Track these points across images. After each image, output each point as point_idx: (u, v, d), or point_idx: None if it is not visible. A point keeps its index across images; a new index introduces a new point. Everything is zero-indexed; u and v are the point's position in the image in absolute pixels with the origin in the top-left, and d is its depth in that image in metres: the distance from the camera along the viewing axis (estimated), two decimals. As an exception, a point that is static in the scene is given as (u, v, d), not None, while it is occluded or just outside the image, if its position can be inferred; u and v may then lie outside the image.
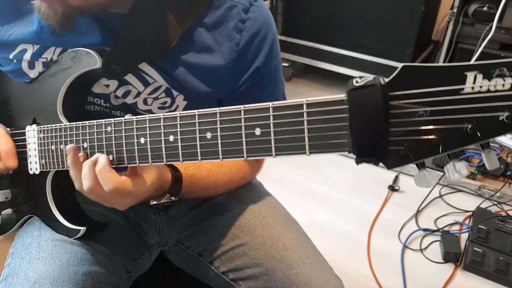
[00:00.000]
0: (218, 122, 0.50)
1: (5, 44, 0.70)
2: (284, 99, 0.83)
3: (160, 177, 0.66)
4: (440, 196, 1.81)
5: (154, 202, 0.69)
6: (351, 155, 0.43)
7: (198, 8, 0.70)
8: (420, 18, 2.07)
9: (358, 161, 0.43)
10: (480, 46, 1.86)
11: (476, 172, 1.83)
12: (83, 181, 0.59)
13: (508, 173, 1.80)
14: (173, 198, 0.70)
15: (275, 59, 0.78)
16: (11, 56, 0.71)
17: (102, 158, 0.60)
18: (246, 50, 0.73)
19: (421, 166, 0.42)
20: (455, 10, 1.97)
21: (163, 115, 0.55)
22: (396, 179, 1.91)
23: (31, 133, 0.71)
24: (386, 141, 0.41)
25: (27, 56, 0.70)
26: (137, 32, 0.66)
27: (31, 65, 0.71)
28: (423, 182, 0.42)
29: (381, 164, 0.43)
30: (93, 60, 0.64)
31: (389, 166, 0.42)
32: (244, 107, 0.48)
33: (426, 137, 0.39)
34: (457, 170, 0.40)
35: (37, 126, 0.71)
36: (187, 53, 0.70)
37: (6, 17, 0.70)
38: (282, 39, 2.55)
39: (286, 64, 2.68)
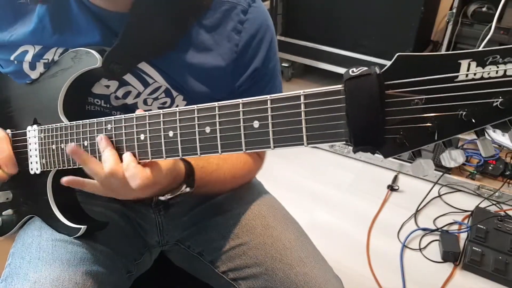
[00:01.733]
0: (217, 116, 0.51)
1: (6, 45, 0.71)
2: None
3: (175, 164, 0.64)
4: (439, 196, 1.81)
5: (169, 196, 0.67)
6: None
7: (198, 9, 0.70)
8: (419, 19, 2.08)
9: (354, 150, 0.43)
10: (479, 46, 1.86)
11: (475, 172, 1.84)
12: (105, 164, 0.58)
13: (507, 173, 1.80)
14: (188, 189, 0.68)
15: (273, 60, 0.79)
16: (12, 58, 0.71)
17: (127, 155, 0.58)
18: (245, 51, 0.73)
19: (417, 155, 0.43)
20: (454, 10, 1.97)
21: (163, 111, 0.55)
22: (395, 179, 1.92)
23: (32, 133, 0.71)
24: (382, 130, 0.41)
25: (28, 57, 0.70)
26: (137, 32, 0.66)
27: (32, 66, 0.71)
28: (419, 171, 0.43)
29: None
30: (93, 60, 0.64)
31: (385, 155, 0.42)
32: (243, 100, 0.49)
33: (421, 125, 0.40)
34: (453, 158, 0.41)
35: (37, 126, 0.71)
36: (187, 53, 0.71)
37: (7, 18, 0.70)
38: (282, 39, 2.55)
39: (286, 65, 2.68)
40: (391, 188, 1.87)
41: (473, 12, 1.96)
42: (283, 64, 2.67)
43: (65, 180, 0.63)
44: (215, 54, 0.72)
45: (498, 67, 0.36)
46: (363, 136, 0.42)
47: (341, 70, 2.42)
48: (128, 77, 0.70)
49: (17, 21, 0.69)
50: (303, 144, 0.46)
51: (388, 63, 0.41)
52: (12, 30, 0.70)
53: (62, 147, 0.66)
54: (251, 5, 0.73)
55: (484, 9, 1.94)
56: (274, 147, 0.47)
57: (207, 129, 0.52)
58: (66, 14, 0.67)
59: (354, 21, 2.28)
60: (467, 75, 0.38)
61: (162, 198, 0.67)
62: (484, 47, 1.56)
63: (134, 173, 0.57)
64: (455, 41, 2.06)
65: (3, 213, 0.79)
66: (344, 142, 0.44)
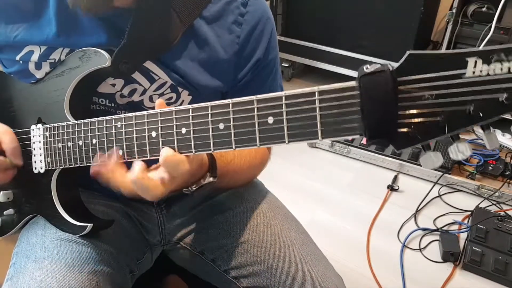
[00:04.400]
0: (231, 112, 0.51)
1: (11, 45, 0.70)
2: (282, 91, 0.84)
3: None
4: (439, 196, 1.82)
5: (195, 187, 0.64)
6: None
7: (200, 3, 0.71)
8: (419, 19, 2.08)
9: (369, 143, 0.45)
10: (479, 46, 1.86)
11: (475, 172, 1.84)
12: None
13: (507, 173, 1.81)
14: (211, 178, 0.66)
15: (274, 51, 0.80)
16: (17, 58, 0.71)
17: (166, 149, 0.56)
18: (247, 43, 0.74)
19: (427, 148, 0.44)
20: (454, 10, 1.98)
21: (175, 109, 0.55)
22: (395, 178, 1.92)
23: (36, 131, 0.72)
24: (395, 124, 0.43)
25: (35, 57, 0.70)
26: (144, 28, 0.67)
27: (38, 66, 0.71)
28: (429, 163, 0.44)
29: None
30: (102, 59, 0.64)
31: (398, 147, 0.44)
32: (257, 97, 0.49)
33: (432, 119, 0.42)
34: (461, 151, 0.42)
35: (42, 125, 0.71)
36: (190, 47, 0.71)
37: (11, 18, 0.70)
38: (282, 39, 2.56)
39: (286, 65, 2.68)
40: (391, 188, 1.88)
41: (473, 12, 1.97)
42: (283, 64, 2.68)
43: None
44: (217, 46, 0.73)
45: (502, 64, 0.38)
46: (377, 130, 0.43)
47: (341, 70, 2.43)
48: (135, 75, 0.70)
49: (23, 22, 0.69)
50: (317, 138, 0.47)
51: (388, 63, 0.42)
52: (15, 29, 0.70)
53: (69, 145, 0.66)
54: None
55: (484, 9, 1.94)
56: (289, 142, 0.48)
57: (221, 126, 0.52)
58: (72, 16, 0.67)
59: (354, 21, 2.28)
60: (474, 72, 0.39)
61: (186, 191, 0.65)
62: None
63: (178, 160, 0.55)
64: (455, 41, 2.07)
65: (4, 212, 0.79)
66: (358, 136, 0.45)
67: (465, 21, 2.01)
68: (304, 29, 2.48)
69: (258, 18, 0.75)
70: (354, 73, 2.48)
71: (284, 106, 0.48)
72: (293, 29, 2.54)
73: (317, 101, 0.46)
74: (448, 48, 2.07)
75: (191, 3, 0.70)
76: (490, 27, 1.84)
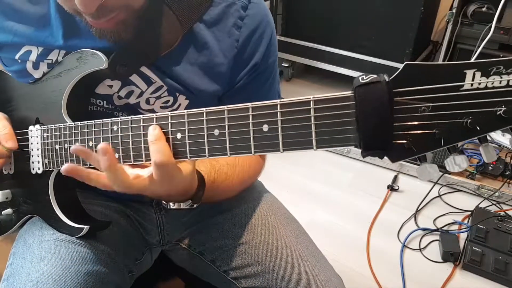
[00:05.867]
0: (226, 119, 0.51)
1: (10, 45, 0.71)
2: (279, 98, 0.84)
3: (193, 173, 0.62)
4: (439, 196, 1.82)
5: (174, 207, 0.65)
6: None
7: (200, 7, 0.70)
8: (419, 19, 2.08)
9: (364, 154, 0.44)
10: (479, 46, 1.87)
11: (475, 172, 1.84)
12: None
13: (507, 173, 1.81)
14: (195, 205, 0.65)
15: (273, 55, 0.80)
16: (16, 57, 0.71)
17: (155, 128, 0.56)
18: (246, 47, 0.74)
19: (423, 160, 0.44)
20: (454, 10, 1.98)
21: (171, 114, 0.55)
22: (395, 178, 1.92)
23: (34, 132, 0.71)
24: (391, 135, 0.42)
25: (32, 57, 0.70)
26: (143, 33, 0.66)
27: (36, 66, 0.71)
28: (425, 175, 0.44)
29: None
30: (99, 61, 0.64)
31: (393, 159, 0.43)
32: (252, 104, 0.49)
33: (428, 131, 0.41)
34: (457, 163, 0.42)
35: (40, 126, 0.71)
36: (189, 51, 0.71)
37: (11, 19, 0.70)
38: (282, 39, 2.56)
39: (286, 65, 2.68)
40: (391, 188, 1.87)
41: (473, 12, 1.97)
42: (283, 64, 2.68)
43: (64, 168, 0.58)
44: (217, 50, 0.72)
45: (501, 77, 0.38)
46: (372, 141, 0.43)
47: (341, 70, 2.42)
48: (132, 77, 0.70)
49: (23, 23, 0.69)
50: (312, 148, 0.46)
51: (388, 63, 0.42)
52: (16, 31, 0.70)
53: (66, 147, 0.66)
54: (251, 1, 0.74)
55: (484, 9, 1.94)
56: (284, 150, 0.48)
57: (216, 132, 0.52)
58: (72, 19, 0.67)
59: (354, 21, 2.28)
60: (472, 85, 0.39)
61: (164, 204, 0.65)
62: (484, 47, 1.57)
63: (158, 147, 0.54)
64: (455, 41, 2.07)
65: (3, 212, 0.79)
66: (353, 147, 0.45)
67: (465, 21, 2.00)
68: (304, 29, 2.48)
69: (258, 22, 0.74)
70: (354, 73, 2.48)
71: (279, 114, 0.48)
72: (293, 29, 2.54)
73: (312, 110, 0.46)
74: (448, 48, 2.07)
75: (192, 6, 0.70)
76: (490, 27, 1.84)
